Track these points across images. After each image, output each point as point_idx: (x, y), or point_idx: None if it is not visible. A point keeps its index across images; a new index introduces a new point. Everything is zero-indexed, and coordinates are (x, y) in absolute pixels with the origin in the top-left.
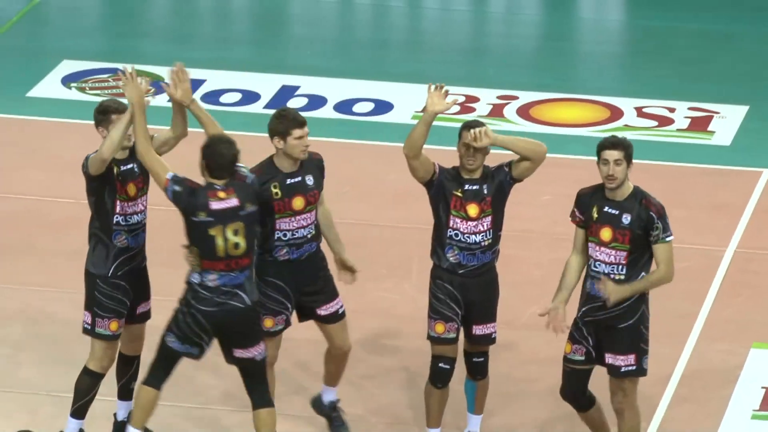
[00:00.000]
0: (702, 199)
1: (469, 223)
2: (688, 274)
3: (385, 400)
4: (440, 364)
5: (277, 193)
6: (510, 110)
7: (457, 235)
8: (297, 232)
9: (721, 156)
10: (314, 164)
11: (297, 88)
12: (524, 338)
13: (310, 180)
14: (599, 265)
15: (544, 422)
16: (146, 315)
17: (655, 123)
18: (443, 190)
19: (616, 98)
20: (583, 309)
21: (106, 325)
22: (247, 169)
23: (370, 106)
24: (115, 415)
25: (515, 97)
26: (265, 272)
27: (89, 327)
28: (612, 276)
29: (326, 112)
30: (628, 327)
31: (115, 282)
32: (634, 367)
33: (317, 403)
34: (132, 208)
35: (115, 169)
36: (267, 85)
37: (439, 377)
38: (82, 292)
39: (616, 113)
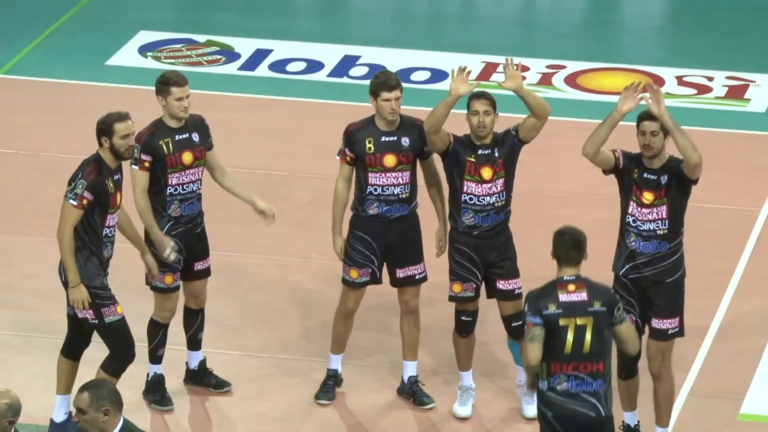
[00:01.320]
0: (738, 163)
1: (484, 185)
2: (725, 233)
3: (429, 349)
4: (462, 317)
5: (370, 148)
6: (558, 79)
7: (471, 198)
8: (387, 189)
9: (757, 122)
10: (415, 129)
11: (358, 57)
12: None
13: (405, 141)
14: (645, 224)
15: None
16: (205, 272)
17: (695, 91)
18: (457, 157)
19: (658, 67)
20: (627, 266)
21: (162, 279)
22: None
23: (427, 74)
24: (186, 363)
25: (563, 67)
26: (354, 226)
27: (148, 281)
28: (658, 231)
29: None
30: (674, 284)
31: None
32: (677, 329)
33: (401, 386)
34: (186, 177)
35: (170, 143)
36: (330, 54)
37: (462, 328)
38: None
39: (657, 82)
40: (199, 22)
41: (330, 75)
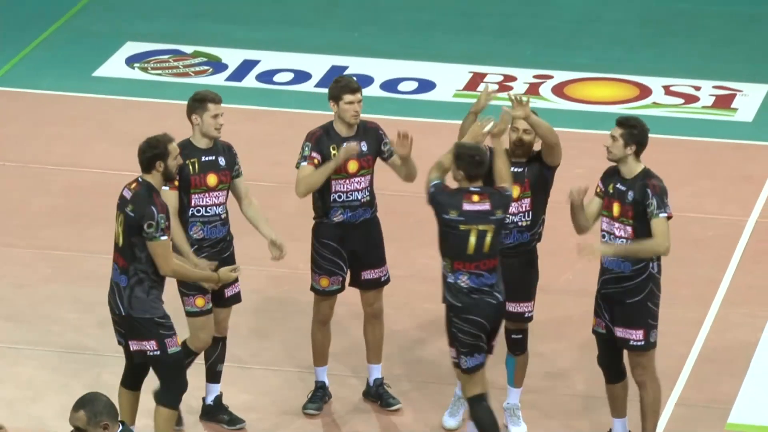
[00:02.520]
0: (726, 172)
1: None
2: (713, 243)
3: (428, 361)
4: None
5: (335, 155)
6: (545, 89)
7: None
8: (351, 194)
9: (744, 131)
10: (371, 132)
11: (346, 67)
12: (558, 302)
13: (364, 146)
14: (611, 238)
15: (576, 384)
16: (235, 298)
17: (682, 101)
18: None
19: (645, 77)
20: (600, 281)
21: (192, 303)
22: None
23: (414, 84)
24: (203, 398)
25: (550, 77)
26: (320, 234)
27: (184, 309)
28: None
29: (373, 90)
30: (636, 303)
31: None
32: (642, 342)
33: (366, 389)
34: (209, 200)
35: (196, 164)
36: (318, 65)
37: None
38: None
39: (645, 91)
40: (186, 32)
41: (317, 85)
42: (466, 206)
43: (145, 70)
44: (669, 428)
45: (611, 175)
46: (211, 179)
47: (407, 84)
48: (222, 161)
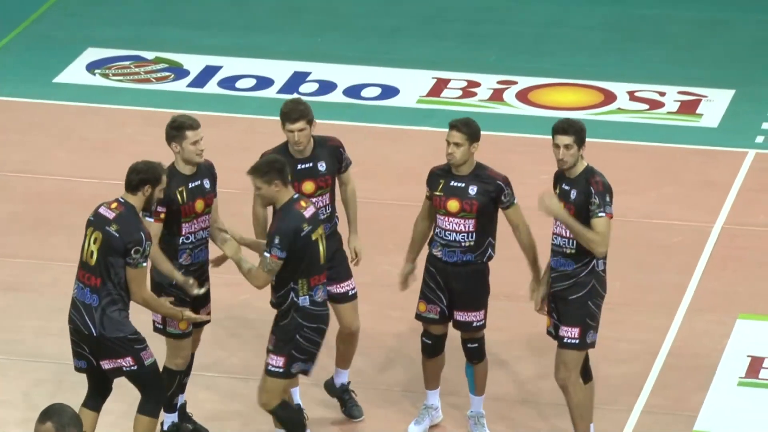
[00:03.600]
0: (691, 178)
1: (450, 219)
2: (679, 249)
3: (394, 368)
4: (423, 338)
5: (289, 177)
6: (509, 95)
7: (440, 232)
8: None
9: (709, 137)
10: (328, 150)
11: (308, 74)
12: (522, 310)
13: (322, 166)
14: (556, 238)
15: (540, 391)
16: (208, 319)
17: (647, 106)
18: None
19: (610, 83)
20: (551, 281)
21: (176, 325)
22: None
23: (377, 90)
24: (161, 423)
25: (514, 82)
26: None
27: (161, 326)
28: (564, 249)
29: (336, 96)
30: (577, 299)
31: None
32: (576, 341)
33: (329, 386)
34: (198, 225)
35: (184, 192)
36: (280, 71)
37: (424, 349)
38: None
39: (609, 97)
40: (148, 38)
41: (280, 91)
42: (305, 213)
43: (106, 76)
44: None
45: (559, 176)
46: (199, 205)
47: (370, 90)
48: (207, 184)
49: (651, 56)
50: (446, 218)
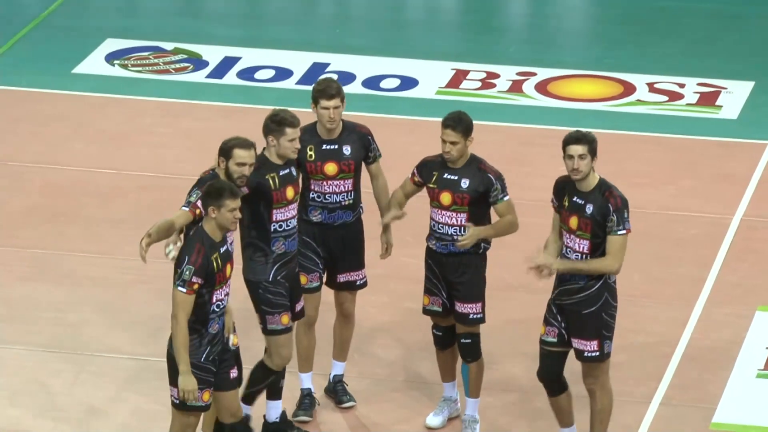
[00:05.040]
0: (710, 170)
1: (443, 212)
2: (697, 241)
3: (411, 359)
4: (434, 330)
5: (311, 156)
6: (529, 86)
7: (434, 225)
8: (329, 196)
9: (728, 129)
10: (357, 136)
11: (327, 65)
12: (541, 302)
13: (347, 150)
14: (569, 252)
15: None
16: (301, 313)
17: (666, 98)
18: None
19: (629, 74)
20: (555, 292)
21: (278, 320)
22: None
23: (396, 82)
24: (264, 416)
25: (534, 74)
26: (301, 230)
27: (263, 327)
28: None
29: (355, 87)
30: (591, 313)
31: (277, 282)
32: (597, 353)
33: (327, 386)
34: (289, 213)
35: (276, 178)
36: (299, 62)
37: (436, 341)
38: (124, 257)
39: (629, 88)
40: (167, 29)
41: (299, 82)
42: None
43: (125, 67)
44: (653, 428)
45: (563, 188)
46: (290, 192)
47: (389, 81)
48: (294, 171)
49: (670, 48)
50: (439, 211)
